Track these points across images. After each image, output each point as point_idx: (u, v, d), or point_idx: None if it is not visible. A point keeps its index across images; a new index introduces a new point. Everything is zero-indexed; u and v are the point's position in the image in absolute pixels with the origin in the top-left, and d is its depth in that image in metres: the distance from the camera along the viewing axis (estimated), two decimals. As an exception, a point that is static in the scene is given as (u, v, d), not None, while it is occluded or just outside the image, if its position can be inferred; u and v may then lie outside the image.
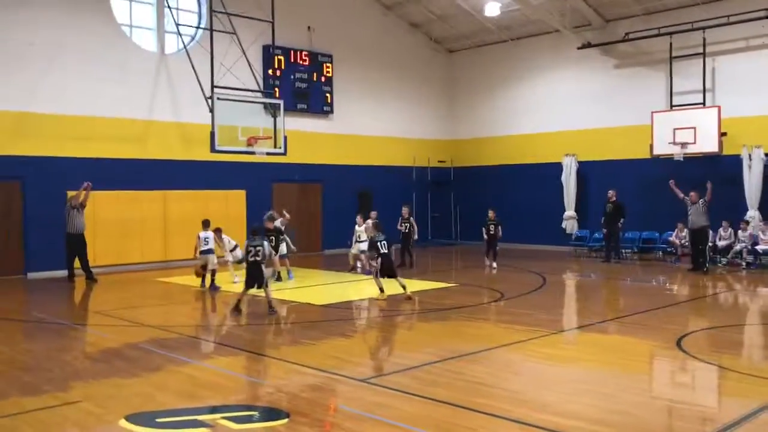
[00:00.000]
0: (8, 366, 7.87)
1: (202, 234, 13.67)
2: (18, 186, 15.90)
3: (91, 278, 15.08)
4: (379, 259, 12.20)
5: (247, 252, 10.81)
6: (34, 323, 10.82)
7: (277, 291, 12.53)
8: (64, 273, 15.33)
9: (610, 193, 18.55)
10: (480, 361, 7.87)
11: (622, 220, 18.28)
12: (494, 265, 16.83)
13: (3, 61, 15.58)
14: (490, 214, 17.43)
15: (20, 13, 15.81)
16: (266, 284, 10.83)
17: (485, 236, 17.26)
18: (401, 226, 17.36)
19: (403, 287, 12.09)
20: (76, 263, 15.19)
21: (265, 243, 11.00)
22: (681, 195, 16.02)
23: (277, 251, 13.52)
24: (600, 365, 7.81)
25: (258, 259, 10.76)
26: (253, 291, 11.03)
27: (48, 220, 15.66)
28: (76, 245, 15.08)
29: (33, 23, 15.98)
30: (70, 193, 15.31)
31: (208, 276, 13.62)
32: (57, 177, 15.98)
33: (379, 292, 12.11)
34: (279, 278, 14.57)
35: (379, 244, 12.24)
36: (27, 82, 15.88)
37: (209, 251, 13.55)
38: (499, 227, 17.19)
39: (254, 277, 10.76)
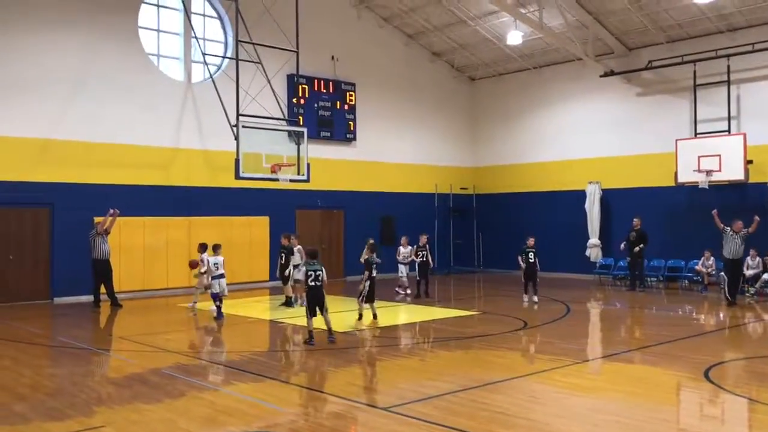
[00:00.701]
0: (32, 390, 7.94)
1: (212, 259, 13.61)
2: (47, 212, 16.19)
3: (115, 304, 15.19)
4: (368, 283, 12.24)
5: (307, 276, 10.55)
6: (58, 348, 10.93)
7: (298, 317, 12.51)
8: (90, 298, 15.45)
9: (635, 221, 18.37)
10: (503, 391, 7.78)
11: (641, 245, 18.02)
12: (535, 299, 15.48)
13: (32, 88, 15.93)
14: (530, 241, 15.95)
15: (49, 40, 16.21)
16: (326, 310, 10.56)
17: (523, 265, 15.65)
18: (415, 255, 16.79)
19: (375, 316, 12.53)
20: (102, 289, 15.33)
21: (323, 268, 10.62)
22: (721, 226, 15.18)
23: (284, 271, 13.56)
24: (625, 396, 7.67)
25: (318, 283, 10.46)
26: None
27: (75, 245, 15.88)
28: (102, 271, 15.21)
29: (62, 51, 16.37)
30: (97, 219, 15.53)
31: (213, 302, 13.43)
32: (85, 203, 16.24)
33: (358, 318, 12.57)
34: (288, 303, 14.52)
35: (373, 266, 12.34)
36: (55, 109, 16.23)
37: (221, 276, 13.47)
38: (537, 257, 15.68)
39: (316, 302, 10.49)
